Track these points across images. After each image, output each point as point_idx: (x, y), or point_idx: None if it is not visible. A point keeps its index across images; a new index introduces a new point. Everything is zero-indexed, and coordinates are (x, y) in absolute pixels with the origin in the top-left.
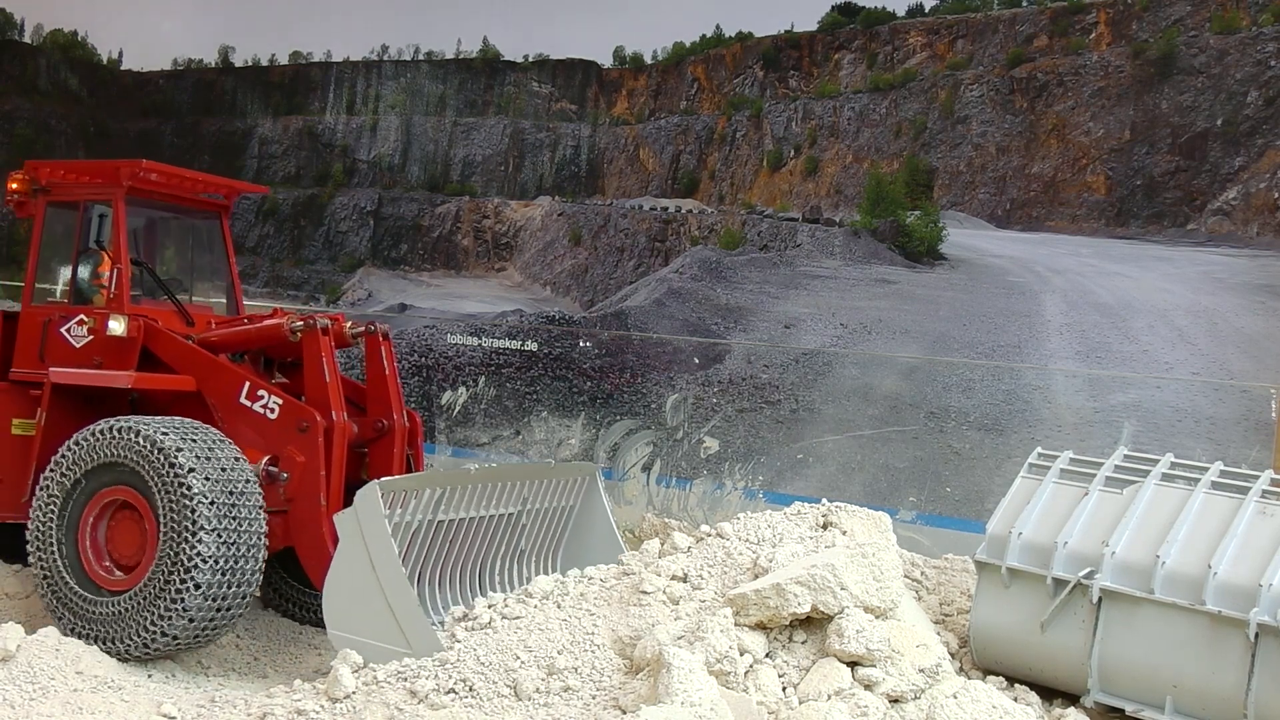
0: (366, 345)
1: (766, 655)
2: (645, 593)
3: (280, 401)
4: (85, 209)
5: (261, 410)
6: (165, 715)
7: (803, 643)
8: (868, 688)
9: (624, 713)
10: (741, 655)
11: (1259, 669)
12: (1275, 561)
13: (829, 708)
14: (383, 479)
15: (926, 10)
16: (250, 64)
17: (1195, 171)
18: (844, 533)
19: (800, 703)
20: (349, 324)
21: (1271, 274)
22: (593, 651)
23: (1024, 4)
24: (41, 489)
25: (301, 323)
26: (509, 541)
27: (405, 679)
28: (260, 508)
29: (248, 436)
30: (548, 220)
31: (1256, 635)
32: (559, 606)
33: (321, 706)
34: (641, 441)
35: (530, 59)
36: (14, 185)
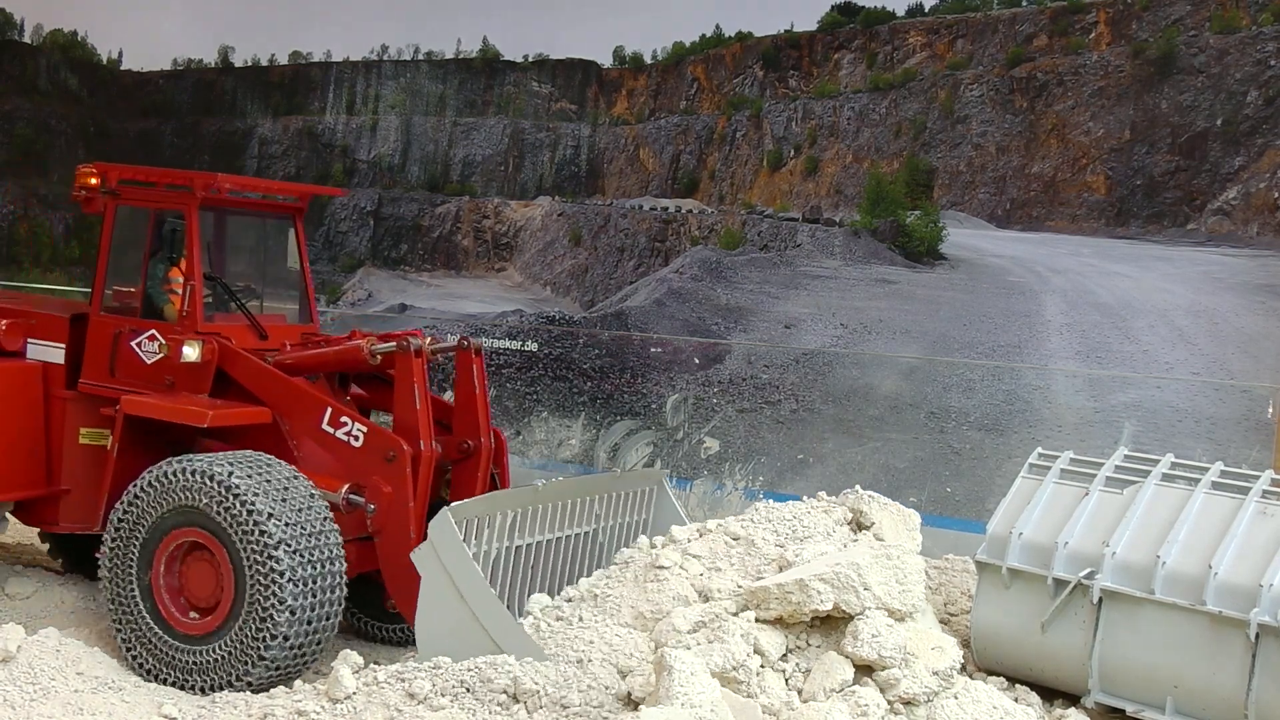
0: (457, 362)
1: (781, 657)
2: (662, 567)
3: (365, 430)
4: (157, 217)
5: (345, 438)
6: (165, 716)
7: (818, 646)
8: (881, 689)
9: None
10: (756, 656)
11: (1260, 669)
12: (1276, 562)
13: (829, 707)
14: (454, 505)
15: (926, 10)
16: (250, 64)
17: (1195, 171)
18: (871, 525)
19: (803, 701)
20: (427, 340)
21: (1272, 274)
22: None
23: (1024, 4)
24: (114, 532)
25: (392, 344)
26: (587, 562)
27: (404, 680)
28: (339, 547)
29: (329, 464)
30: (548, 220)
31: (1257, 635)
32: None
33: (322, 707)
34: (642, 442)
35: (530, 59)
36: (87, 180)
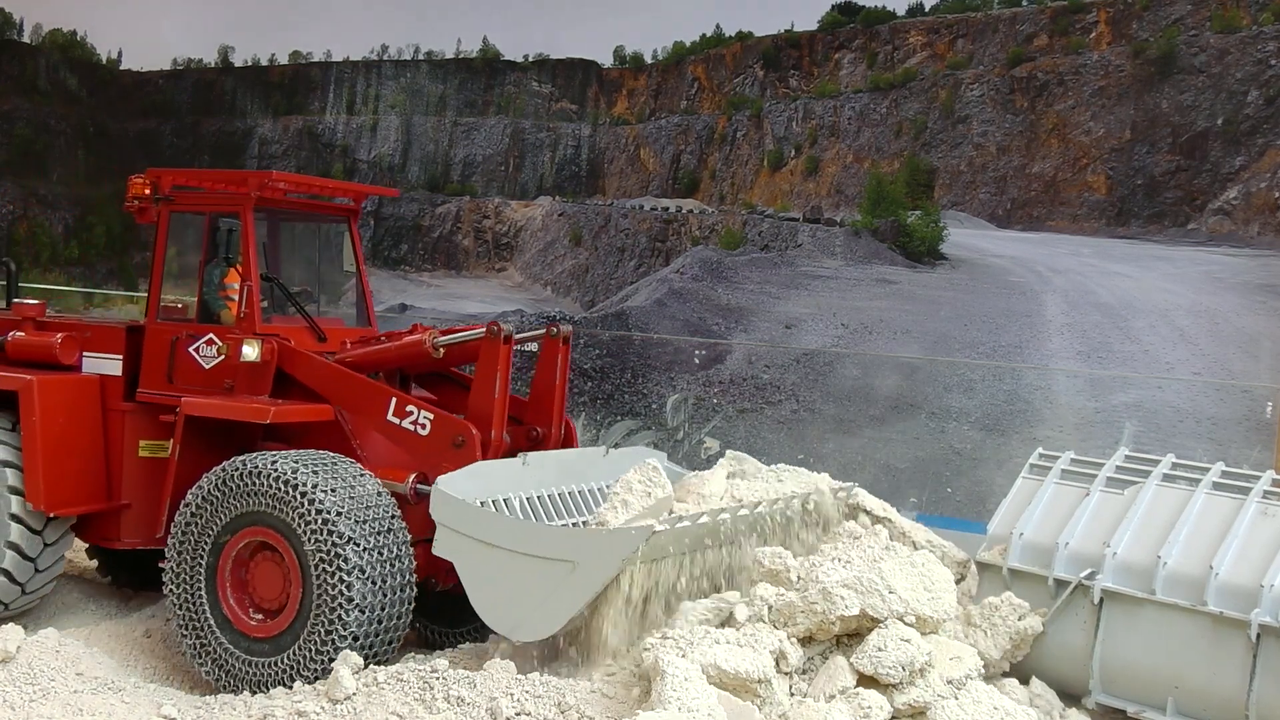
0: (544, 348)
1: (801, 672)
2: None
3: (431, 416)
4: (211, 220)
5: (411, 427)
6: (165, 716)
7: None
8: (890, 698)
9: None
10: (772, 662)
11: (1261, 670)
12: (1277, 562)
13: (829, 708)
14: (440, 479)
15: (926, 10)
16: (250, 64)
17: (1196, 171)
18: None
19: (802, 700)
20: (508, 326)
21: (1272, 273)
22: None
23: (1024, 3)
24: (178, 536)
25: (494, 328)
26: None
27: (404, 680)
28: (408, 545)
29: (397, 456)
30: (548, 220)
31: (1258, 636)
32: None
33: (322, 708)
34: (642, 442)
35: (530, 59)
36: (141, 190)
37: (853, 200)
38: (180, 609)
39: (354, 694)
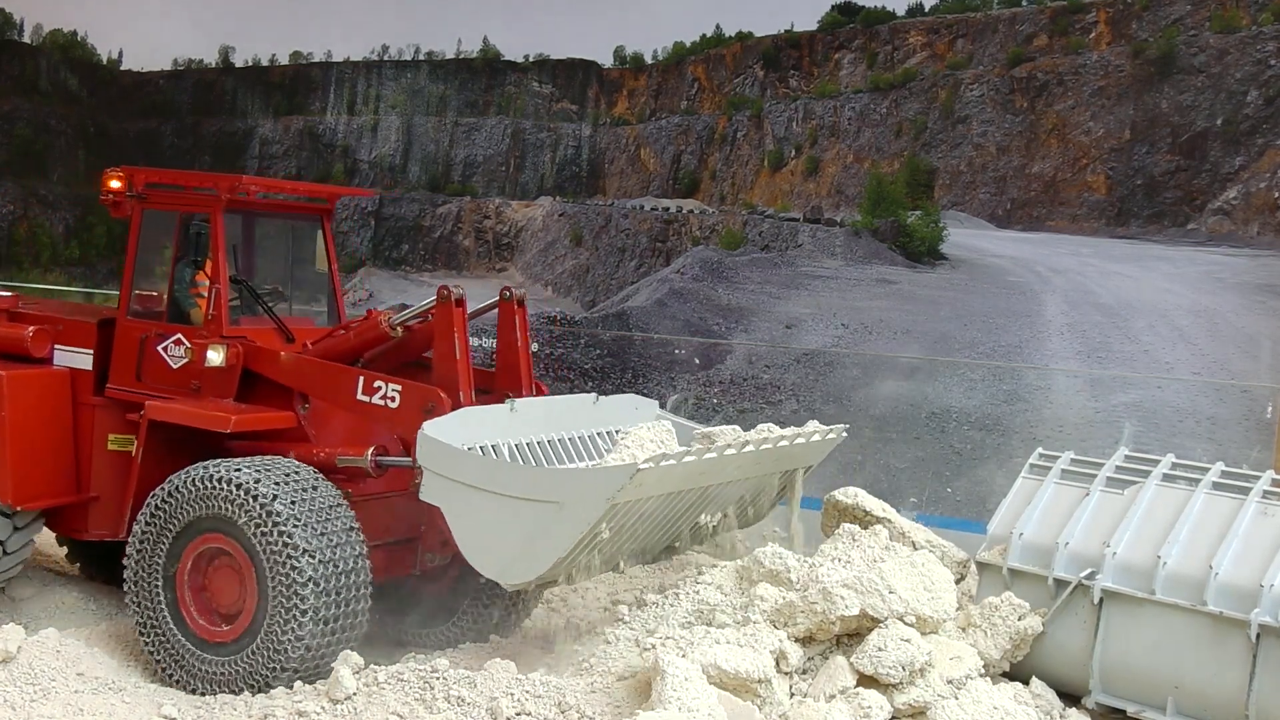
0: (500, 312)
1: (801, 672)
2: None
3: (399, 387)
4: (183, 220)
5: (382, 402)
6: (165, 716)
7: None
8: (890, 698)
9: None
10: (773, 662)
11: (1260, 670)
12: (1277, 562)
13: (829, 708)
14: (426, 424)
15: (926, 10)
16: (250, 64)
17: (1195, 171)
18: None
19: (802, 700)
20: (458, 290)
21: (1272, 274)
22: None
23: (1024, 3)
24: (138, 539)
25: (413, 311)
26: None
27: (404, 681)
28: (355, 527)
29: (372, 435)
30: (549, 220)
31: (1258, 636)
32: None
33: (322, 708)
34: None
35: (530, 59)
36: (113, 185)
37: (853, 200)
38: (139, 608)
39: (354, 694)
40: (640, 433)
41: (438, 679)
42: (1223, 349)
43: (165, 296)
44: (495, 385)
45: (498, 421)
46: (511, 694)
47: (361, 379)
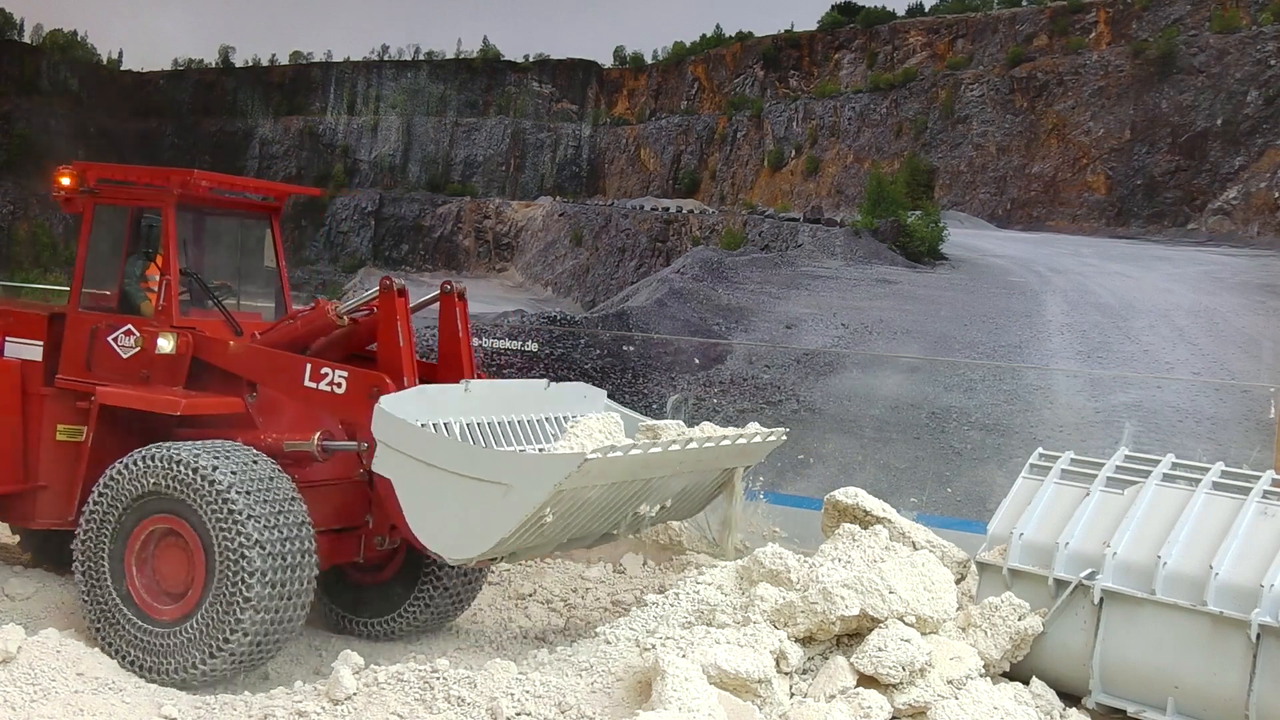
0: (441, 306)
1: (801, 672)
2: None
3: (345, 374)
4: (134, 214)
5: (329, 388)
6: (166, 717)
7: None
8: (890, 698)
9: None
10: (773, 662)
11: (1261, 670)
12: (1277, 562)
13: (829, 708)
14: (384, 398)
15: (926, 10)
16: (250, 64)
17: (1195, 171)
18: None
19: (803, 700)
20: (399, 281)
21: (1272, 273)
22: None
23: (1024, 3)
24: (86, 520)
25: (386, 283)
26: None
27: (405, 681)
28: (306, 521)
29: (318, 421)
30: (549, 220)
31: (1258, 636)
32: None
33: (322, 708)
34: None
35: (530, 59)
36: (64, 181)
37: (853, 200)
38: (86, 586)
39: (354, 694)
40: (589, 422)
41: (438, 679)
42: (1223, 349)
43: (116, 291)
44: (438, 377)
45: (451, 401)
46: (511, 694)
47: (309, 365)
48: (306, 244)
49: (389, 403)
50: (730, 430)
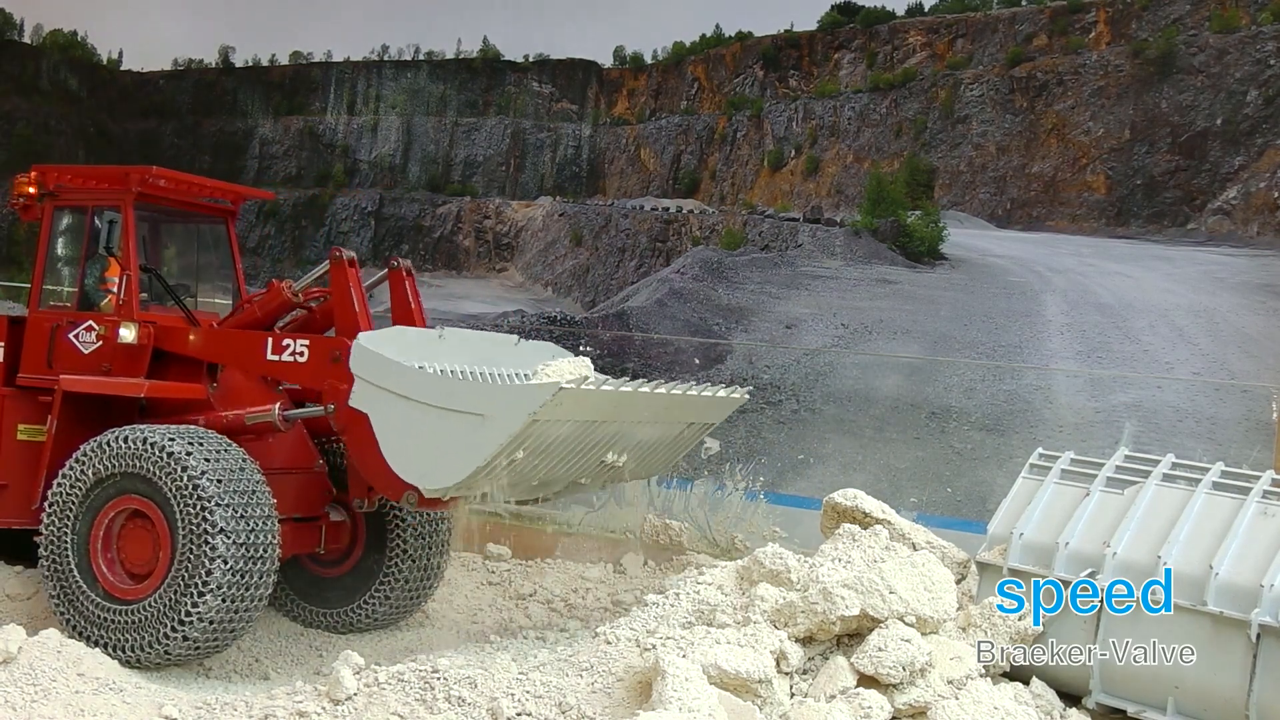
0: (391, 281)
1: (801, 672)
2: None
3: (307, 342)
4: (93, 214)
5: (292, 358)
6: (166, 717)
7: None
8: (890, 699)
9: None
10: (774, 662)
11: (1261, 670)
12: (1277, 562)
13: (830, 708)
14: (362, 334)
15: (926, 10)
16: (251, 64)
17: (1195, 171)
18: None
19: (803, 701)
20: (349, 252)
21: (1272, 273)
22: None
23: (1023, 3)
24: (53, 500)
25: (335, 254)
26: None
27: (405, 681)
28: (273, 514)
29: (277, 395)
30: (549, 220)
31: (1258, 636)
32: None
33: (323, 708)
34: None
35: (530, 59)
36: (21, 189)
37: (853, 200)
38: (51, 568)
39: (355, 694)
40: (561, 364)
41: (438, 679)
42: (1223, 349)
43: (76, 291)
44: None
45: (426, 345)
46: (512, 694)
47: (270, 339)
48: (306, 244)
49: (368, 339)
50: (697, 385)
